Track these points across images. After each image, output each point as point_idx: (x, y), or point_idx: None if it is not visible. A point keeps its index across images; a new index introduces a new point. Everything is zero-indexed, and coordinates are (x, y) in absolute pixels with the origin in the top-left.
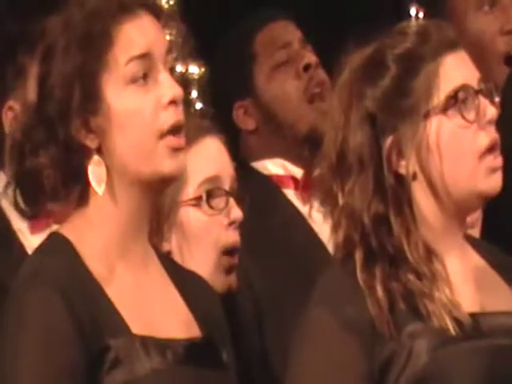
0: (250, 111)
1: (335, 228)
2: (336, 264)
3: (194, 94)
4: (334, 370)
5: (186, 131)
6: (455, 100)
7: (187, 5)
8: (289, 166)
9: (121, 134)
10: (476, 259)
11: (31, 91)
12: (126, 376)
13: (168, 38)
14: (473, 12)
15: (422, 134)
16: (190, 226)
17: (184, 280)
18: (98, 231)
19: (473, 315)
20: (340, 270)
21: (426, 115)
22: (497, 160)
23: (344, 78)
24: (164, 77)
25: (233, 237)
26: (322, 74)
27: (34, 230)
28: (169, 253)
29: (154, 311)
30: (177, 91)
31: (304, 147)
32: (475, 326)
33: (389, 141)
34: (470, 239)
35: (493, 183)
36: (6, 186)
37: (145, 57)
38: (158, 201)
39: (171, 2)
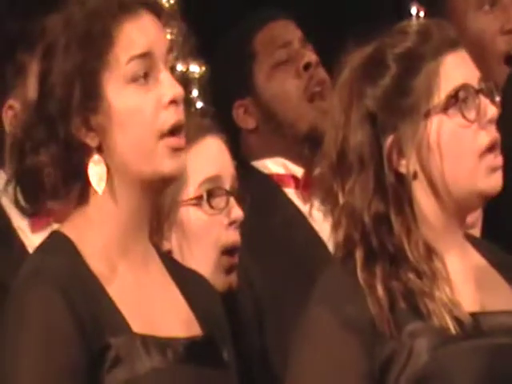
0: (250, 110)
1: (335, 227)
2: (336, 263)
3: (195, 93)
4: (334, 370)
5: (187, 130)
6: (456, 99)
7: (187, 4)
8: (289, 164)
9: (121, 133)
10: (476, 258)
11: (31, 89)
12: (126, 375)
13: (169, 37)
14: (473, 11)
15: (422, 133)
16: (190, 225)
17: (185, 279)
18: (99, 230)
19: (473, 314)
20: (340, 268)
21: (427, 114)
22: (497, 159)
23: (344, 77)
24: (165, 76)
25: (233, 236)
26: (322, 73)
27: (34, 228)
28: (169, 252)
29: (155, 310)
30: (177, 91)
31: (304, 146)
32: (475, 325)
33: (389, 140)
34: (470, 238)
35: (493, 182)
36: (7, 184)
37: (145, 56)
38: (158, 200)
39: (172, 1)
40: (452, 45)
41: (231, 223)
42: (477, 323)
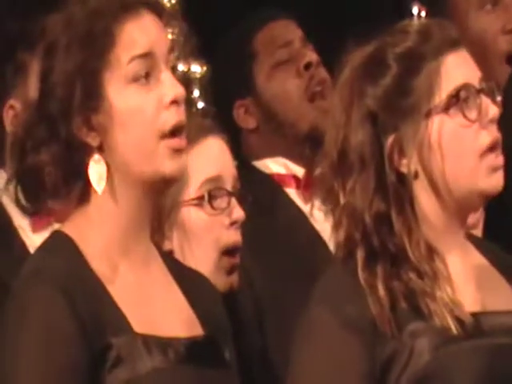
0: (251, 110)
1: (336, 227)
2: (337, 263)
3: (196, 93)
4: (334, 370)
5: (188, 131)
6: (457, 99)
7: (187, 4)
8: (290, 164)
9: (122, 133)
10: (477, 258)
11: (32, 89)
12: (127, 374)
13: (170, 36)
14: (475, 11)
15: (423, 132)
16: (191, 226)
17: (186, 278)
18: (100, 230)
19: (474, 314)
20: (341, 268)
21: (428, 114)
22: (498, 159)
23: (345, 76)
24: (166, 76)
25: (234, 236)
26: (322, 73)
27: (35, 228)
28: (170, 251)
29: (156, 310)
30: (179, 91)
31: (305, 146)
32: (476, 325)
33: (390, 139)
34: (471, 238)
35: (494, 182)
36: (7, 183)
37: (147, 56)
38: (159, 200)
39: (173, 1)
40: (453, 44)
41: (232, 223)
42: (478, 323)
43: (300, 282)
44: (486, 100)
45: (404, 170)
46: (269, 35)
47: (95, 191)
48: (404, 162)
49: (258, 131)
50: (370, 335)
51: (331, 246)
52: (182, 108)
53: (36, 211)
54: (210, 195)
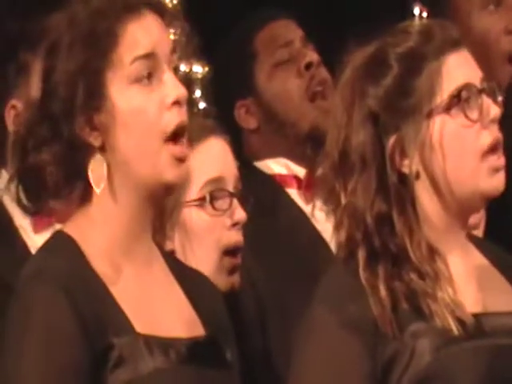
0: (252, 110)
1: (338, 227)
2: (338, 263)
3: (198, 93)
4: (336, 370)
5: (190, 131)
6: (458, 99)
7: (188, 4)
8: (291, 165)
9: (124, 133)
10: (479, 259)
11: (34, 88)
12: (129, 375)
13: (172, 37)
14: (477, 11)
15: (424, 133)
16: (192, 226)
17: (188, 279)
18: (101, 230)
19: (475, 315)
20: (343, 269)
21: (429, 114)
22: (500, 160)
23: (346, 76)
24: (168, 77)
25: (235, 237)
26: (323, 73)
27: (36, 228)
28: (172, 252)
29: (158, 310)
30: (181, 91)
31: (306, 146)
32: (478, 326)
33: (392, 140)
34: (472, 239)
35: (495, 183)
36: (9, 182)
37: (149, 56)
38: (160, 202)
39: (175, 1)
40: (454, 45)
41: (234, 224)
42: (479, 324)
43: (301, 282)
44: (487, 100)
45: (405, 170)
46: (269, 35)
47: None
48: (405, 162)
49: (259, 131)
50: (371, 335)
51: (333, 246)
52: (184, 109)
53: (37, 211)
54: (212, 196)
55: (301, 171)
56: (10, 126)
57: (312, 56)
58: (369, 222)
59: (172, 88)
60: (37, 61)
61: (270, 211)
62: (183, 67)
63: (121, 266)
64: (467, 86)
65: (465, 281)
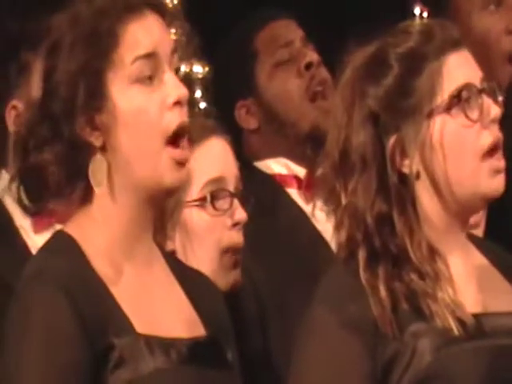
0: (252, 110)
1: (338, 227)
2: (339, 263)
3: (198, 93)
4: (336, 370)
5: (191, 131)
6: (459, 99)
7: (188, 4)
8: (292, 165)
9: (125, 133)
10: (479, 259)
11: (35, 88)
12: (130, 375)
13: (173, 37)
14: (478, 11)
15: (425, 133)
16: (193, 226)
17: (188, 279)
18: (102, 230)
19: (475, 315)
20: (343, 269)
21: (430, 114)
22: (500, 161)
23: (346, 76)
24: (169, 77)
25: (236, 237)
26: (323, 73)
27: (36, 228)
28: (173, 252)
29: (159, 310)
30: (182, 92)
31: (306, 146)
32: (478, 327)
33: (392, 140)
34: (473, 239)
35: (495, 185)
36: (10, 182)
37: (150, 56)
38: (161, 203)
39: (175, 1)
40: (454, 45)
41: (235, 225)
42: (479, 324)
43: (302, 282)
44: (487, 100)
45: (406, 170)
46: (269, 35)
47: None
48: (406, 162)
49: (259, 132)
50: (371, 336)
51: (333, 246)
52: (185, 109)
53: (38, 211)
54: (213, 196)
55: (301, 171)
56: (11, 127)
57: (312, 56)
58: (369, 223)
59: (173, 88)
60: (38, 61)
61: (270, 211)
62: (183, 67)
63: (121, 266)
64: (467, 86)
65: (465, 281)
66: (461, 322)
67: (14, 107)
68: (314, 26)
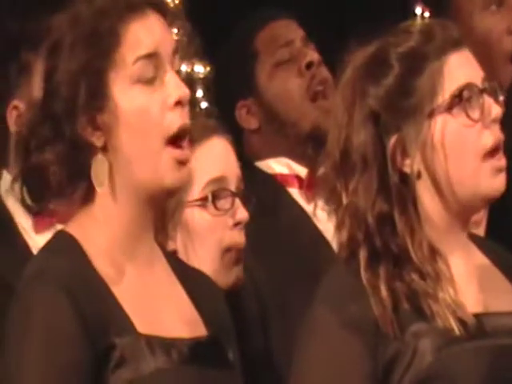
0: (253, 110)
1: (339, 227)
2: (340, 263)
3: (200, 93)
4: (337, 370)
5: (192, 131)
6: (460, 99)
7: (189, 4)
8: (293, 164)
9: (127, 132)
10: (480, 259)
11: (36, 88)
12: (131, 375)
13: (174, 37)
14: (479, 11)
15: (426, 132)
16: (194, 226)
17: (190, 278)
18: (103, 229)
19: (476, 315)
20: (344, 269)
21: (431, 114)
22: (501, 161)
23: (347, 76)
24: (171, 77)
25: (237, 237)
26: (324, 72)
27: (37, 229)
28: (174, 251)
29: (160, 310)
30: (183, 92)
31: (307, 145)
32: (479, 327)
33: (393, 140)
34: (474, 238)
35: (496, 184)
36: (13, 183)
37: (152, 56)
38: (162, 203)
39: (176, 1)
40: (455, 44)
41: (236, 224)
42: (480, 324)
43: (303, 282)
44: (488, 100)
45: (407, 170)
46: (270, 35)
47: None
48: (407, 162)
49: (260, 131)
50: (372, 336)
51: (334, 245)
52: (186, 110)
53: (40, 210)
54: (214, 196)
55: (302, 171)
56: (12, 127)
57: (313, 55)
58: (370, 222)
59: (174, 88)
60: (39, 61)
61: (271, 211)
62: (184, 67)
63: (123, 266)
64: (469, 86)
65: (466, 281)
66: (462, 321)
67: (16, 107)
68: (315, 25)
